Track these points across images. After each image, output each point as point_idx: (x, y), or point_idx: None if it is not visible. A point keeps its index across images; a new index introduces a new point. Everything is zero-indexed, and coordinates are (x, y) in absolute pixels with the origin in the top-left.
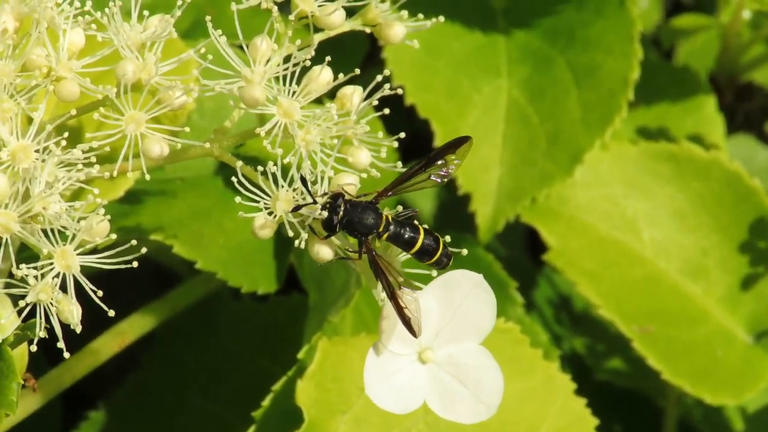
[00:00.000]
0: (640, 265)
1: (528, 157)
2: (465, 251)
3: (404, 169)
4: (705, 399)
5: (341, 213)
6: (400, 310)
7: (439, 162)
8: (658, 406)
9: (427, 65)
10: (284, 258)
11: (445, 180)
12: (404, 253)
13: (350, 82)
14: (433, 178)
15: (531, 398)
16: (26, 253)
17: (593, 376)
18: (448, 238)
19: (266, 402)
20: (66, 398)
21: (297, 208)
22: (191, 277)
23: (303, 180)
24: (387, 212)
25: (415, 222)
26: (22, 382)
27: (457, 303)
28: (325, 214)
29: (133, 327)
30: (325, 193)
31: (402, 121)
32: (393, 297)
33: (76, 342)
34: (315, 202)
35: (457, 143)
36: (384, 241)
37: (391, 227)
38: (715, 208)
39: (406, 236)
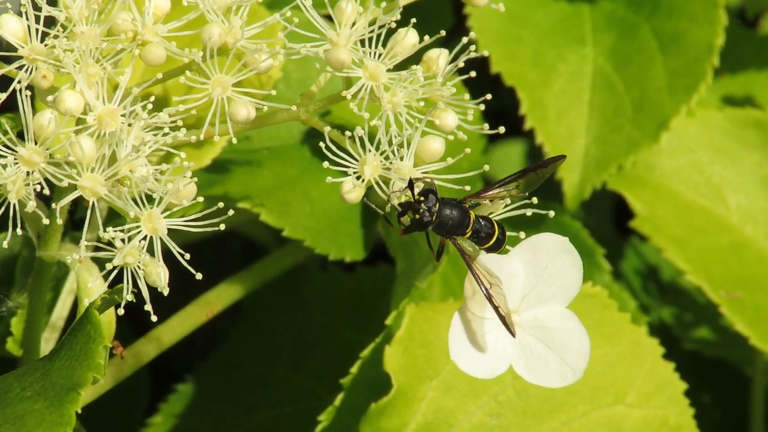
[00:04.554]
0: (726, 231)
1: (614, 124)
2: (552, 213)
3: (490, 132)
4: None
5: (435, 214)
6: (496, 309)
7: (530, 175)
8: (745, 375)
9: (512, 34)
10: (371, 226)
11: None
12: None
13: (435, 46)
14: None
15: (619, 363)
16: (113, 222)
17: (681, 345)
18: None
19: (354, 369)
20: (154, 372)
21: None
22: (278, 249)
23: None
24: (471, 211)
25: (490, 216)
26: (110, 346)
27: (543, 266)
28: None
29: (221, 297)
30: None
31: (486, 89)
32: (490, 297)
33: (162, 314)
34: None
35: (551, 161)
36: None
37: (475, 226)
38: None
39: (484, 233)
